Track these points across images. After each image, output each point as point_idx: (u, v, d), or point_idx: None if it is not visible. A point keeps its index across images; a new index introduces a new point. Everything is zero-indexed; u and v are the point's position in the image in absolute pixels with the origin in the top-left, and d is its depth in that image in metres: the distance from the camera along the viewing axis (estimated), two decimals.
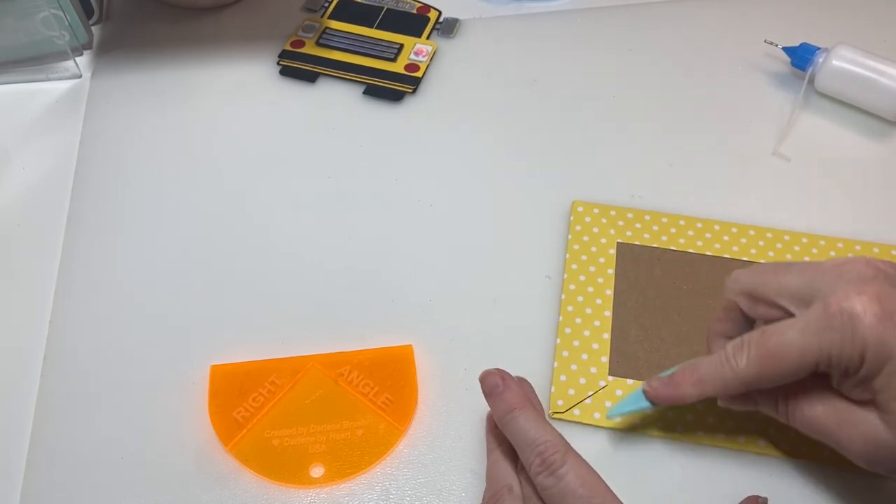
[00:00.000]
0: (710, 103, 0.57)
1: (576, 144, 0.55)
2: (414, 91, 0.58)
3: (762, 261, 0.48)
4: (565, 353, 0.45)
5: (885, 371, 0.32)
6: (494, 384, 0.39)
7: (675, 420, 0.42)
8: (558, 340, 0.45)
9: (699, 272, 0.48)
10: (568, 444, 0.36)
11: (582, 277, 0.47)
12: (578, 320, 0.46)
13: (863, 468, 0.35)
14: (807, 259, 0.48)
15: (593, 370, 0.44)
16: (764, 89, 0.58)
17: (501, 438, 0.39)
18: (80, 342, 0.46)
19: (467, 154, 0.55)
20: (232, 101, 0.58)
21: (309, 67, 0.60)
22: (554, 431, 0.36)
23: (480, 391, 0.43)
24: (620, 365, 0.44)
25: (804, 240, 0.49)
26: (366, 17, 0.63)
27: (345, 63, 0.60)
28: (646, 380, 0.40)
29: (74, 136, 0.56)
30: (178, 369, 0.45)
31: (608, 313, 0.46)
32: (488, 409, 0.42)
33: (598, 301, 0.46)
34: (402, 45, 0.61)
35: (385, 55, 0.60)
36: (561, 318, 0.46)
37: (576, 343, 0.45)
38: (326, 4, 0.64)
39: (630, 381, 0.43)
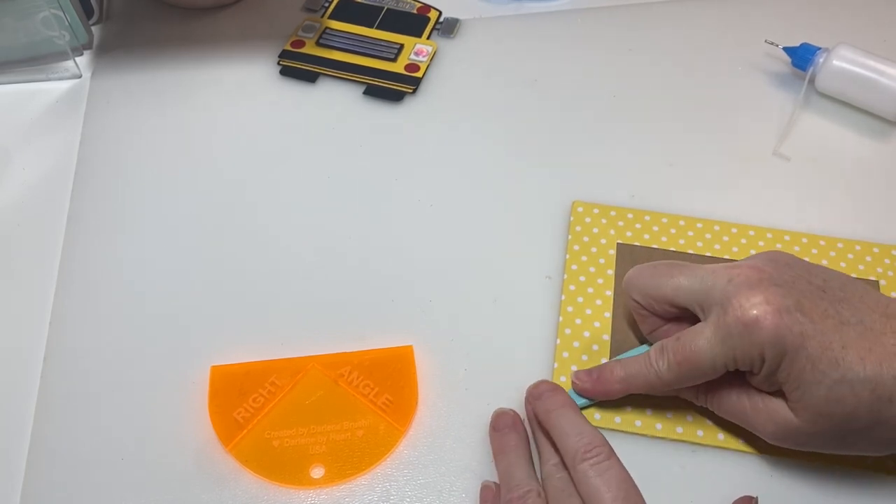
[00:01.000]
0: (710, 103, 0.57)
1: (576, 144, 0.55)
2: (414, 91, 0.58)
3: None
4: (565, 354, 0.45)
5: (783, 365, 0.36)
6: (545, 388, 0.41)
7: (675, 420, 0.42)
8: (558, 341, 0.45)
9: None
10: (612, 448, 0.38)
11: (582, 278, 0.47)
12: (578, 321, 0.46)
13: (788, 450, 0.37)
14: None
15: None
16: (764, 89, 0.58)
17: (515, 442, 0.40)
18: (80, 342, 0.46)
19: (467, 154, 0.55)
20: (232, 101, 0.58)
21: (309, 67, 0.60)
22: (601, 433, 0.38)
23: (480, 392, 0.43)
24: None
25: (804, 240, 0.49)
26: (366, 17, 0.63)
27: (345, 63, 0.60)
28: (574, 371, 0.43)
29: (74, 136, 0.56)
30: (178, 369, 0.45)
31: (608, 314, 0.46)
32: (490, 411, 0.42)
33: (599, 302, 0.47)
34: (402, 46, 0.61)
35: (385, 55, 0.60)
36: (561, 319, 0.46)
37: (576, 344, 0.45)
38: (326, 4, 0.64)
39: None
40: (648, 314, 0.42)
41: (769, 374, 0.37)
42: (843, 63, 0.54)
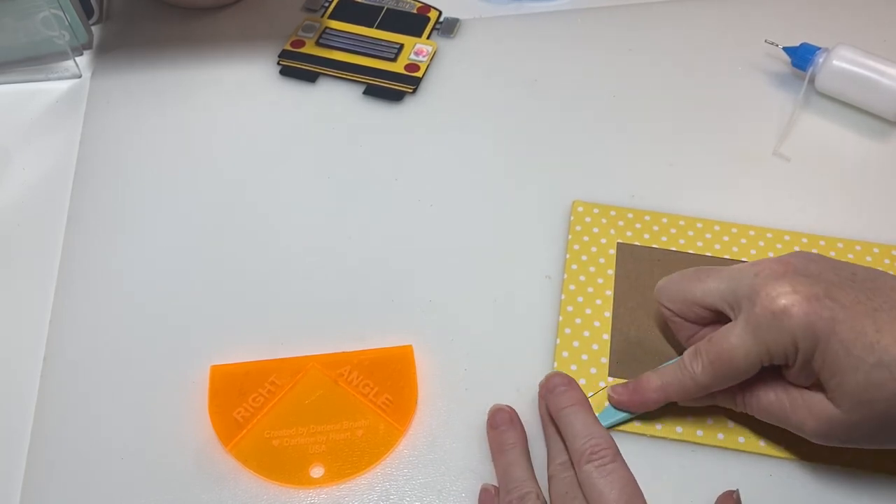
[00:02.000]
0: (710, 103, 0.57)
1: (576, 144, 0.55)
2: (414, 91, 0.58)
3: None
4: (565, 354, 0.45)
5: (817, 353, 0.36)
6: (558, 382, 0.41)
7: (675, 420, 0.42)
8: (558, 341, 0.45)
9: None
10: (619, 450, 0.38)
11: (582, 278, 0.47)
12: (578, 321, 0.46)
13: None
14: None
15: (593, 371, 0.44)
16: (764, 89, 0.58)
17: (514, 440, 0.40)
18: (80, 342, 0.46)
19: (467, 154, 0.55)
20: (232, 101, 0.58)
21: (309, 67, 0.60)
22: (609, 434, 0.39)
23: (480, 391, 0.43)
24: (620, 366, 0.44)
25: (804, 240, 0.49)
26: (366, 17, 0.63)
27: (345, 63, 0.60)
28: (611, 386, 0.42)
29: (74, 136, 0.56)
30: (178, 369, 0.45)
31: (608, 314, 0.46)
32: (488, 409, 0.42)
33: (598, 302, 0.46)
34: (402, 45, 0.61)
35: (385, 55, 0.60)
36: (561, 319, 0.46)
37: (576, 344, 0.45)
38: (326, 4, 0.64)
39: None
40: (682, 321, 0.42)
41: (804, 364, 0.37)
42: (843, 63, 0.54)
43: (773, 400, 0.39)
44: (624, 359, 0.44)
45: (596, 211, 0.50)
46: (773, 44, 0.58)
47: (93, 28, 0.61)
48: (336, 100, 0.58)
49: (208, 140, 0.56)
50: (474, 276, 0.48)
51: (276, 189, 0.53)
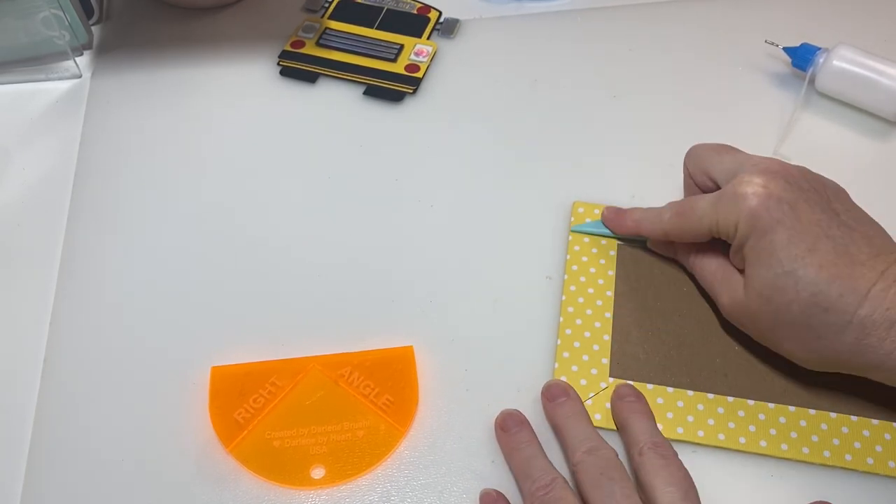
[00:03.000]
0: (710, 103, 0.57)
1: (576, 144, 0.55)
2: (414, 91, 0.58)
3: None
4: (566, 355, 0.45)
5: (750, 241, 0.40)
6: (560, 392, 0.43)
7: (675, 420, 0.42)
8: (559, 341, 0.45)
9: None
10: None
11: (583, 279, 0.47)
12: (579, 321, 0.46)
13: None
14: None
15: (594, 371, 0.44)
16: (764, 89, 0.58)
17: (528, 438, 0.41)
18: (81, 342, 0.46)
19: (467, 154, 0.55)
20: (232, 102, 0.58)
21: (309, 68, 0.60)
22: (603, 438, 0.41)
23: (481, 392, 0.43)
24: (621, 366, 0.44)
25: None
26: (366, 17, 0.63)
27: (345, 63, 0.60)
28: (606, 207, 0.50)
29: (74, 136, 0.56)
30: (178, 370, 0.45)
31: (609, 315, 0.46)
32: (490, 411, 0.43)
33: (599, 302, 0.47)
34: (402, 46, 0.61)
35: (385, 56, 0.60)
36: (562, 320, 0.46)
37: (576, 344, 0.45)
38: (326, 5, 0.64)
39: (630, 383, 0.43)
40: (692, 184, 0.47)
41: (738, 247, 0.41)
42: (843, 63, 0.54)
43: (713, 269, 0.44)
44: (625, 359, 0.44)
45: (596, 211, 0.50)
46: (773, 44, 0.58)
47: (93, 28, 0.61)
48: (336, 100, 0.58)
49: (208, 140, 0.56)
50: (475, 277, 0.48)
51: (276, 189, 0.53)
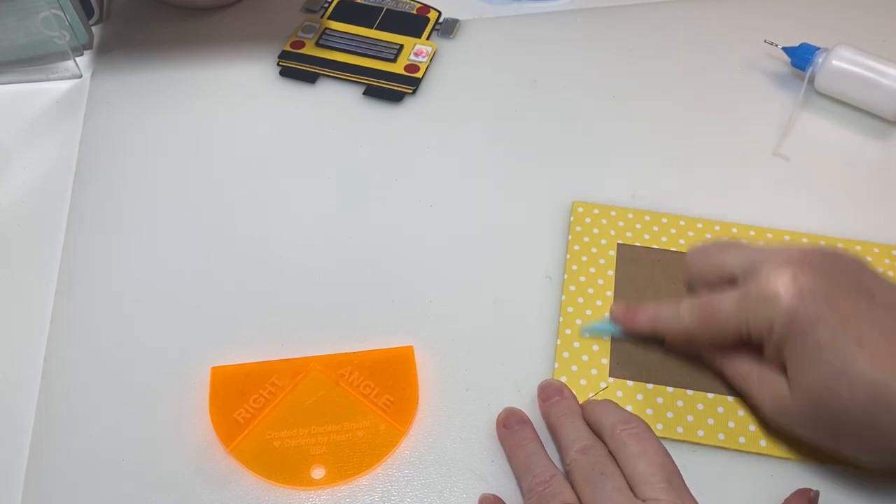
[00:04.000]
0: (710, 103, 0.57)
1: (576, 145, 0.55)
2: (414, 92, 0.58)
3: None
4: (566, 355, 0.45)
5: (789, 342, 0.37)
6: (554, 392, 0.42)
7: (675, 420, 0.42)
8: (559, 341, 0.45)
9: None
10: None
11: (582, 278, 0.48)
12: (579, 321, 0.46)
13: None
14: None
15: (594, 372, 0.44)
16: (764, 89, 0.58)
17: (531, 436, 0.41)
18: (81, 343, 0.46)
19: (467, 154, 0.55)
20: (232, 102, 0.58)
21: (309, 68, 0.60)
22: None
23: (481, 392, 0.43)
24: (621, 366, 0.44)
25: (804, 240, 0.49)
26: (366, 17, 0.63)
27: (345, 64, 0.60)
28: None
29: (74, 136, 0.56)
30: (178, 371, 0.45)
31: (608, 315, 0.46)
32: (490, 410, 0.43)
33: (599, 303, 0.47)
34: (401, 46, 0.61)
35: (385, 56, 0.60)
36: (561, 320, 0.46)
37: (576, 344, 0.45)
38: (326, 5, 0.64)
39: (630, 383, 0.43)
40: (702, 284, 0.43)
41: (777, 348, 0.38)
42: (843, 63, 0.54)
43: (746, 370, 0.41)
44: (624, 360, 0.44)
45: (596, 211, 0.50)
46: (772, 44, 0.59)
47: (93, 28, 0.61)
48: (336, 101, 0.58)
49: (208, 140, 0.56)
50: (475, 277, 0.48)
51: (275, 190, 0.53)
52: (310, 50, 0.61)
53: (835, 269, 0.38)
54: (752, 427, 0.42)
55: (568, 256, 0.49)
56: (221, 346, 0.45)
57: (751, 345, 0.40)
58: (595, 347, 0.45)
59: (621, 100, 0.58)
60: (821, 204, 0.51)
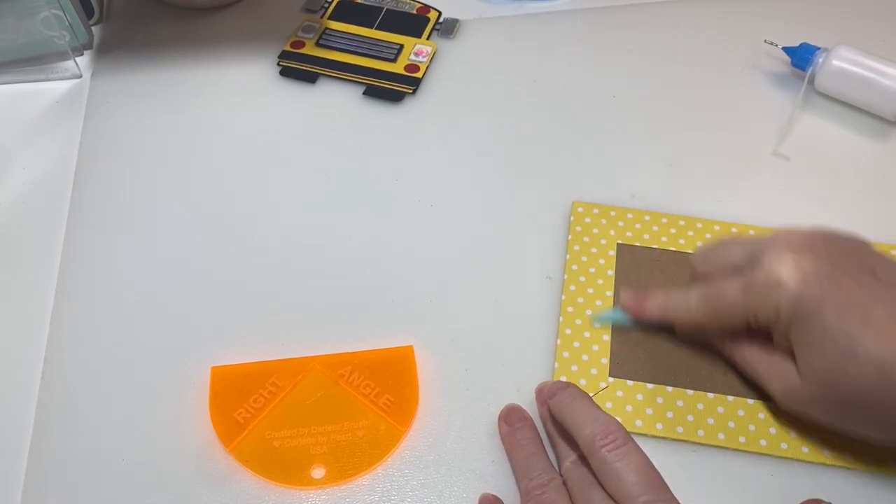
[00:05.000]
0: (710, 103, 0.57)
1: (576, 144, 0.55)
2: (414, 92, 0.58)
3: None
4: (566, 354, 0.45)
5: (795, 326, 0.37)
6: (558, 387, 0.42)
7: (675, 420, 0.42)
8: (559, 341, 0.45)
9: None
10: (628, 433, 0.38)
11: (582, 278, 0.48)
12: (579, 321, 0.46)
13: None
14: None
15: (594, 371, 0.44)
16: (764, 89, 0.58)
17: (532, 435, 0.41)
18: (81, 343, 0.46)
19: (467, 154, 0.55)
20: (232, 102, 0.58)
21: (309, 68, 0.60)
22: (616, 420, 0.39)
23: (481, 392, 0.43)
24: (621, 366, 0.44)
25: None
26: (366, 17, 0.63)
27: (345, 64, 0.60)
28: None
29: (74, 136, 0.56)
30: (178, 370, 0.45)
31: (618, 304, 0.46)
32: (491, 410, 0.43)
33: (599, 302, 0.47)
34: (401, 46, 0.61)
35: (385, 56, 0.60)
36: (561, 319, 0.46)
37: (576, 344, 0.45)
38: (326, 5, 0.64)
39: (630, 383, 0.43)
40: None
41: (784, 334, 0.38)
42: (843, 63, 0.54)
43: (755, 356, 0.41)
44: (625, 359, 0.44)
45: (596, 211, 0.50)
46: (772, 44, 0.59)
47: (93, 28, 0.61)
48: (336, 100, 0.58)
49: (208, 141, 0.56)
50: (474, 277, 0.48)
51: (276, 190, 0.53)
52: (310, 50, 0.61)
53: (837, 250, 0.38)
54: (753, 427, 0.42)
55: (568, 256, 0.49)
56: (221, 346, 0.45)
57: (759, 332, 0.40)
58: (595, 347, 0.45)
59: (621, 100, 0.58)
60: (820, 204, 0.51)
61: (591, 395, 0.43)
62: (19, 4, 0.54)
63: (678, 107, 0.57)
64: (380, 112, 0.57)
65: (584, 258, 0.48)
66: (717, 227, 0.50)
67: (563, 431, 0.40)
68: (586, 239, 0.49)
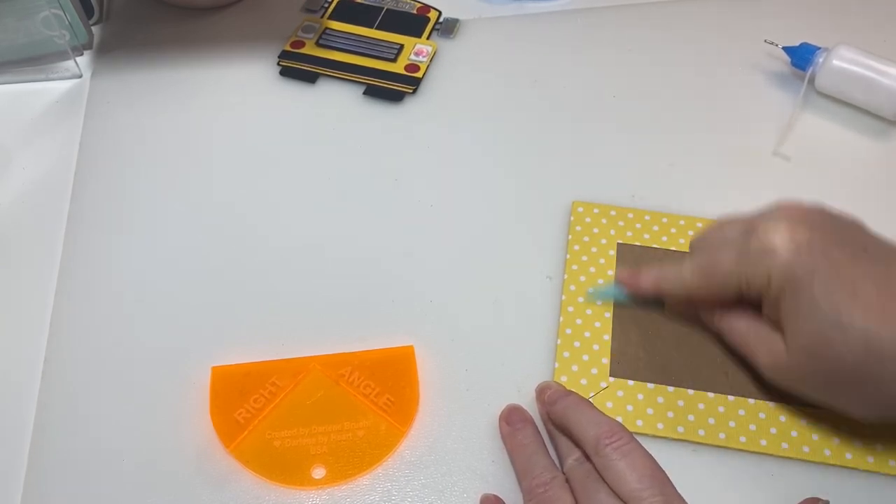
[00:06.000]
0: (710, 103, 0.57)
1: (576, 144, 0.55)
2: (414, 91, 0.58)
3: None
4: (566, 354, 0.45)
5: (786, 295, 0.37)
6: (558, 394, 0.41)
7: (676, 419, 0.42)
8: (559, 341, 0.45)
9: None
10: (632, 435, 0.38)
11: (582, 278, 0.48)
12: (579, 321, 0.46)
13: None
14: None
15: (594, 371, 0.44)
16: (764, 89, 0.58)
17: (533, 435, 0.41)
18: (81, 343, 0.46)
19: (467, 154, 0.55)
20: (232, 102, 0.58)
21: (309, 68, 0.60)
22: (619, 422, 0.39)
23: (482, 392, 0.43)
24: (621, 366, 0.44)
25: None
26: (366, 17, 0.63)
27: (345, 63, 0.60)
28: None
29: (74, 136, 0.56)
30: (179, 370, 0.45)
31: (609, 314, 0.46)
32: (491, 410, 0.43)
33: (599, 302, 0.46)
34: (402, 46, 0.61)
35: (385, 55, 0.60)
36: (562, 319, 0.46)
37: (577, 344, 0.45)
38: (326, 5, 0.64)
39: (631, 382, 0.43)
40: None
41: (774, 302, 0.38)
42: (843, 63, 0.54)
43: (743, 327, 0.41)
44: (625, 359, 0.44)
45: (596, 211, 0.50)
46: (772, 44, 0.59)
47: (93, 28, 0.61)
48: (336, 100, 0.58)
49: (208, 140, 0.56)
50: (475, 277, 0.48)
51: (275, 189, 0.53)
52: (310, 50, 0.61)
53: (832, 225, 0.39)
54: (753, 426, 0.42)
55: (568, 256, 0.49)
56: (221, 346, 0.45)
57: (749, 303, 0.40)
58: (596, 347, 0.45)
59: (621, 100, 0.58)
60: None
61: (591, 394, 0.43)
62: (19, 4, 0.54)
63: (678, 107, 0.57)
64: (380, 112, 0.57)
65: (585, 258, 0.48)
66: None
67: (564, 430, 0.40)
68: (586, 239, 0.49)
